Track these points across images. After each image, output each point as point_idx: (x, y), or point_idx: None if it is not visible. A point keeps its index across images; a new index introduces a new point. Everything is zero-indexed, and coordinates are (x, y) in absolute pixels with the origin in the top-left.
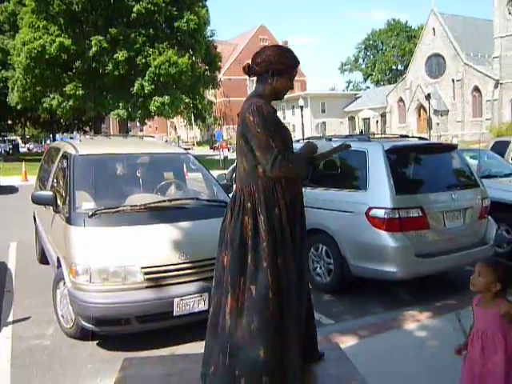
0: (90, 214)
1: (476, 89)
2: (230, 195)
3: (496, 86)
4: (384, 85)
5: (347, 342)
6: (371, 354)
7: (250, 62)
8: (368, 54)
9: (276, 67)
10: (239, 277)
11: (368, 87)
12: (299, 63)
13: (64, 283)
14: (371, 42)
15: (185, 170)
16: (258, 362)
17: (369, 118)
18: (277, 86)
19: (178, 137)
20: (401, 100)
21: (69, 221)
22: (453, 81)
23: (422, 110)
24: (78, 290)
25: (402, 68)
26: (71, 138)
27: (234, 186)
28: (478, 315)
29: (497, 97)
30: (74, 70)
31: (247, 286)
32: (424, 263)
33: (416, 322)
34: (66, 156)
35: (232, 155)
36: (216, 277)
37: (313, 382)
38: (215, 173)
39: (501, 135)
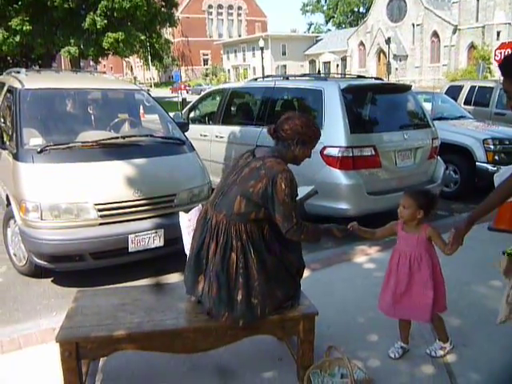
0: (39, 150)
1: (435, 34)
2: (186, 134)
3: (454, 32)
4: (346, 27)
5: None
6: (321, 284)
7: (275, 126)
8: None
9: (302, 137)
10: (224, 309)
11: (329, 30)
12: (321, 135)
13: (14, 221)
14: None
15: (141, 111)
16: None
17: (329, 62)
18: (299, 154)
19: (135, 77)
20: (361, 44)
21: (16, 157)
22: (413, 25)
23: (381, 55)
24: (29, 227)
25: (364, 11)
26: (18, 72)
27: (213, 213)
28: (404, 240)
29: (454, 43)
30: (19, 3)
31: (234, 316)
32: (375, 201)
33: (365, 255)
34: (11, 90)
35: (190, 97)
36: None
37: None
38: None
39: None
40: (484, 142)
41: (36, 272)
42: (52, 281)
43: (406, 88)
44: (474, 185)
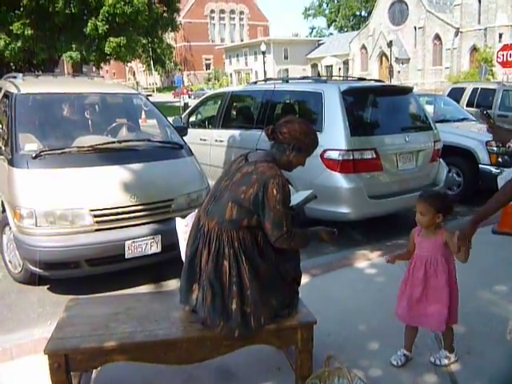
0: (34, 155)
1: (437, 37)
2: (185, 138)
3: (456, 35)
4: (347, 31)
5: None
6: (321, 290)
7: (273, 126)
8: None
9: (298, 144)
10: (219, 319)
11: (331, 34)
12: (318, 144)
13: (10, 228)
14: None
15: (143, 116)
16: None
17: (331, 66)
18: (293, 160)
19: (137, 82)
20: (363, 47)
21: (11, 163)
22: (415, 28)
23: (383, 58)
24: (24, 234)
25: (366, 14)
26: (14, 77)
27: (206, 220)
28: (421, 245)
29: (456, 45)
30: (21, 9)
31: (229, 326)
32: (376, 204)
33: (367, 260)
34: (7, 95)
35: (192, 102)
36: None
37: None
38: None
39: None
40: (487, 144)
41: (31, 279)
42: (48, 288)
43: (407, 90)
44: (478, 187)
